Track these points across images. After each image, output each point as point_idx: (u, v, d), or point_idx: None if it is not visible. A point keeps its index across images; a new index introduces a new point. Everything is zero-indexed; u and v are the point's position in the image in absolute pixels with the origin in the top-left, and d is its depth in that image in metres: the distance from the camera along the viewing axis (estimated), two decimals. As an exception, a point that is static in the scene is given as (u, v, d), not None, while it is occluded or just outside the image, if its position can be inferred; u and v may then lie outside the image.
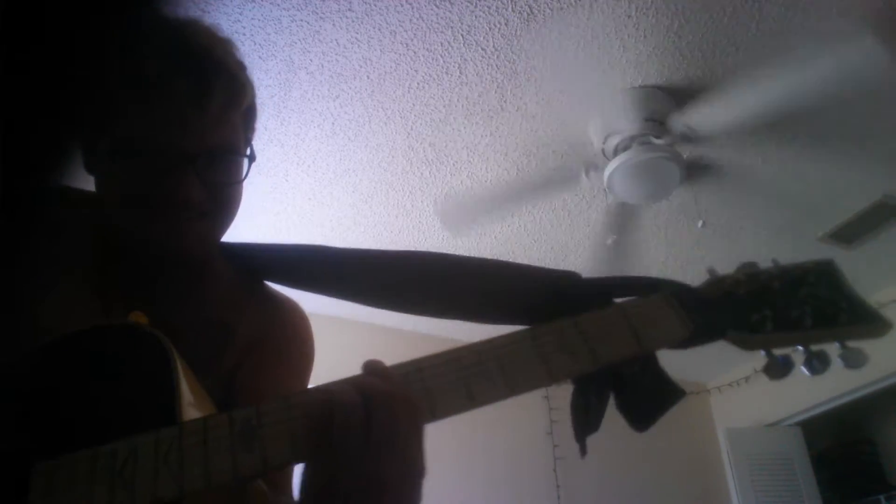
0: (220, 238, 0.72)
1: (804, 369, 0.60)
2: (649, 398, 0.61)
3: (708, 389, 4.58)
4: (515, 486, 3.67)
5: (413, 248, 3.17)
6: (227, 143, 0.66)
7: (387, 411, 0.48)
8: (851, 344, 0.60)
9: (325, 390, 0.50)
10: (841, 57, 2.13)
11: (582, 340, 0.56)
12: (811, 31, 2.13)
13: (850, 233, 3.20)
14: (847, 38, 2.08)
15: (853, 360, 0.60)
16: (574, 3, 2.03)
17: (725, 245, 3.24)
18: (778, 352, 0.60)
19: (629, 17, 2.08)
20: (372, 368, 0.52)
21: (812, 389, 3.92)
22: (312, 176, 2.68)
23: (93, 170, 0.68)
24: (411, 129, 2.49)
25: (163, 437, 0.49)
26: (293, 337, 0.79)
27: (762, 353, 0.60)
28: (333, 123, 2.43)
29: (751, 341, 0.60)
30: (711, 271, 0.65)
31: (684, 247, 3.28)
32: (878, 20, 2.10)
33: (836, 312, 0.60)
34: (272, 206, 2.82)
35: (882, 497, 4.12)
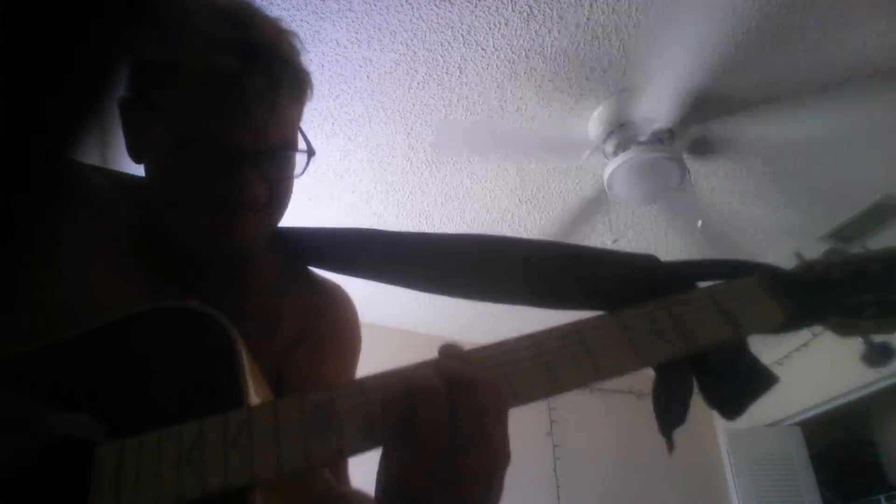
0: (273, 231, 0.72)
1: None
2: (742, 385, 0.59)
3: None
4: (515, 486, 3.66)
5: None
6: (288, 140, 0.66)
7: (473, 398, 0.45)
8: None
9: (404, 375, 0.47)
10: (842, 54, 2.14)
11: (674, 324, 0.54)
12: (812, 29, 2.13)
13: (850, 233, 3.20)
14: (849, 29, 2.09)
15: None
16: (574, 4, 2.03)
17: (725, 245, 3.24)
18: (876, 340, 0.60)
19: (629, 17, 2.08)
20: (451, 352, 0.49)
21: (812, 389, 3.92)
22: (312, 176, 2.68)
23: (143, 156, 0.66)
24: (411, 129, 2.49)
25: (231, 420, 0.48)
26: (341, 322, 0.78)
27: (860, 339, 0.60)
28: (333, 123, 2.43)
29: (850, 327, 0.58)
30: (799, 255, 0.62)
31: (684, 247, 3.28)
32: (879, 13, 2.10)
33: None
34: (272, 206, 2.82)
35: (882, 497, 4.12)
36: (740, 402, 0.59)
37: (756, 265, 0.61)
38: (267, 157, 0.64)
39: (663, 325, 0.54)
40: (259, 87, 0.61)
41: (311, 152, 0.68)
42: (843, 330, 0.58)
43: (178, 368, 0.53)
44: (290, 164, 0.68)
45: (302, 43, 0.67)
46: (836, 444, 4.55)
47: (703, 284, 0.61)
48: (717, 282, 0.59)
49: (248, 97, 0.61)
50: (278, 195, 0.67)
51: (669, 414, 0.61)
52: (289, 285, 0.75)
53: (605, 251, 0.71)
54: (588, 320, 0.54)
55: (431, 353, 0.52)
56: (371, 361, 0.52)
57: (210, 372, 0.52)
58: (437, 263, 0.73)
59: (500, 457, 0.47)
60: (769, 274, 0.59)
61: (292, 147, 0.67)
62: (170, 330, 0.55)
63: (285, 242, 0.76)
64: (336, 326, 0.77)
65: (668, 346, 0.54)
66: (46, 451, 0.48)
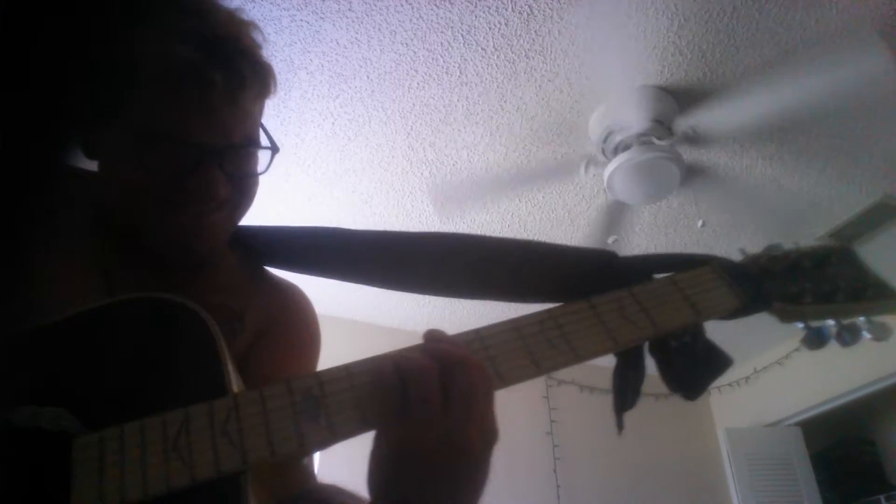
0: (234, 229, 0.71)
1: (836, 341, 0.64)
2: (701, 366, 0.62)
3: (708, 389, 4.57)
4: (515, 486, 3.66)
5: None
6: (250, 136, 0.65)
7: (462, 378, 0.47)
8: (875, 319, 0.64)
9: (396, 358, 0.48)
10: (843, 56, 2.14)
11: (640, 309, 0.58)
12: (812, 30, 2.13)
13: (850, 233, 3.20)
14: (849, 36, 2.08)
15: (879, 333, 0.64)
16: (574, 4, 2.03)
17: (725, 245, 3.24)
18: (814, 325, 0.65)
19: (629, 17, 2.08)
20: (438, 336, 0.51)
21: (812, 389, 3.92)
22: (312, 176, 2.68)
23: (97, 154, 0.65)
24: (411, 129, 2.49)
25: (217, 407, 0.48)
26: (301, 322, 0.78)
27: (799, 325, 0.65)
28: (333, 123, 2.43)
29: (792, 312, 0.63)
30: (743, 250, 0.68)
31: (684, 247, 3.28)
32: (879, 18, 2.10)
33: (863, 288, 0.64)
34: (272, 206, 2.82)
35: (882, 497, 4.11)
36: (700, 382, 0.63)
37: (709, 257, 0.66)
38: (231, 154, 0.62)
39: (632, 310, 0.58)
40: (222, 81, 0.59)
41: (274, 149, 0.67)
42: (785, 315, 0.63)
43: (156, 359, 0.52)
44: (253, 161, 0.67)
45: (264, 34, 0.65)
46: (836, 444, 4.55)
47: (658, 276, 0.65)
48: (673, 273, 0.64)
49: (210, 92, 0.59)
50: (242, 192, 0.66)
51: (624, 398, 0.64)
52: (247, 284, 0.74)
53: (567, 247, 0.75)
54: (562, 306, 0.57)
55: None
56: (352, 357, 0.53)
57: (190, 361, 0.52)
58: (402, 261, 0.74)
59: (489, 434, 0.48)
60: (722, 265, 0.64)
61: (256, 143, 0.65)
62: (145, 321, 0.54)
63: (242, 241, 0.75)
64: (295, 325, 0.77)
65: (637, 329, 0.57)
66: (19, 445, 0.46)
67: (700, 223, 2.77)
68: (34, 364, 0.52)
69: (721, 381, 4.41)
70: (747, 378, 4.26)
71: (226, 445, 0.46)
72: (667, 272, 0.64)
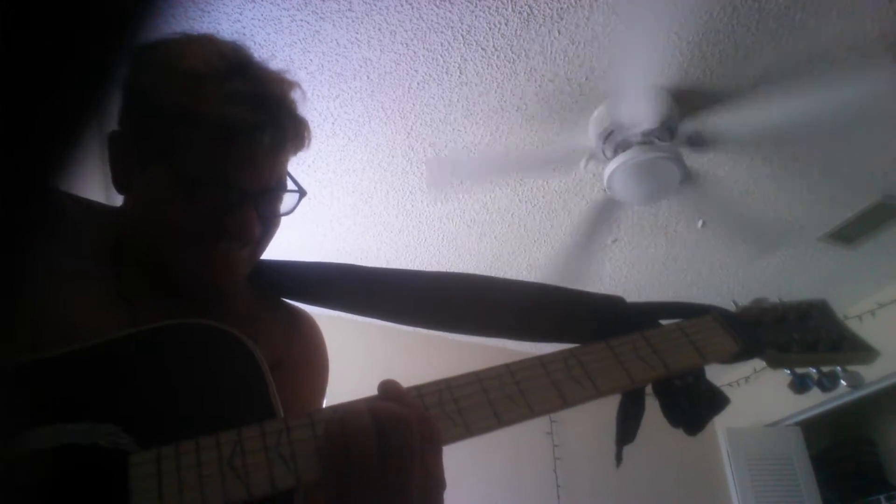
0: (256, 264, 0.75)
1: (817, 388, 0.72)
2: (702, 405, 0.68)
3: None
4: (515, 486, 3.66)
5: (413, 247, 3.18)
6: (283, 180, 0.71)
7: (399, 434, 0.51)
8: (850, 368, 0.73)
9: (341, 416, 0.52)
10: (842, 57, 2.14)
11: (652, 352, 0.65)
12: (814, 31, 2.13)
13: (850, 233, 3.20)
14: (849, 39, 2.09)
15: (854, 381, 0.72)
16: (574, 4, 2.03)
17: (725, 245, 3.24)
18: (799, 372, 0.73)
19: (629, 17, 2.08)
20: (386, 391, 0.55)
21: (812, 389, 3.92)
22: (312, 176, 2.68)
23: (131, 189, 0.69)
24: (411, 129, 2.49)
25: (269, 429, 0.51)
26: (312, 349, 0.81)
27: (787, 371, 0.73)
28: (333, 123, 2.43)
29: (781, 360, 0.71)
30: (736, 303, 0.76)
31: (684, 247, 3.28)
32: (879, 18, 2.10)
33: (840, 340, 0.72)
34: (272, 206, 2.82)
35: (882, 497, 4.12)
36: (702, 419, 0.68)
37: (708, 307, 0.73)
38: (267, 197, 0.69)
39: (645, 352, 0.64)
40: (269, 139, 0.66)
41: (302, 192, 0.73)
42: (775, 362, 0.71)
43: (204, 382, 0.55)
44: (280, 203, 0.73)
45: (304, 92, 0.72)
46: (836, 444, 4.55)
47: (663, 322, 0.72)
48: (678, 320, 0.71)
49: (258, 147, 0.66)
50: (267, 231, 0.72)
51: (626, 433, 0.70)
52: (261, 314, 0.78)
53: (579, 291, 0.80)
54: (582, 346, 0.63)
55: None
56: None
57: (239, 385, 0.55)
58: (419, 299, 0.80)
59: (432, 481, 0.52)
60: (721, 314, 0.72)
61: (286, 187, 0.72)
62: (191, 345, 0.57)
63: (259, 274, 0.79)
64: (309, 354, 0.81)
65: (650, 369, 0.63)
66: (76, 461, 0.48)
67: (700, 223, 2.77)
68: (82, 384, 0.54)
69: (721, 381, 4.43)
70: (747, 378, 4.26)
71: (280, 464, 0.49)
72: (671, 318, 0.71)
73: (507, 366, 0.59)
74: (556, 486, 3.75)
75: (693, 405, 0.67)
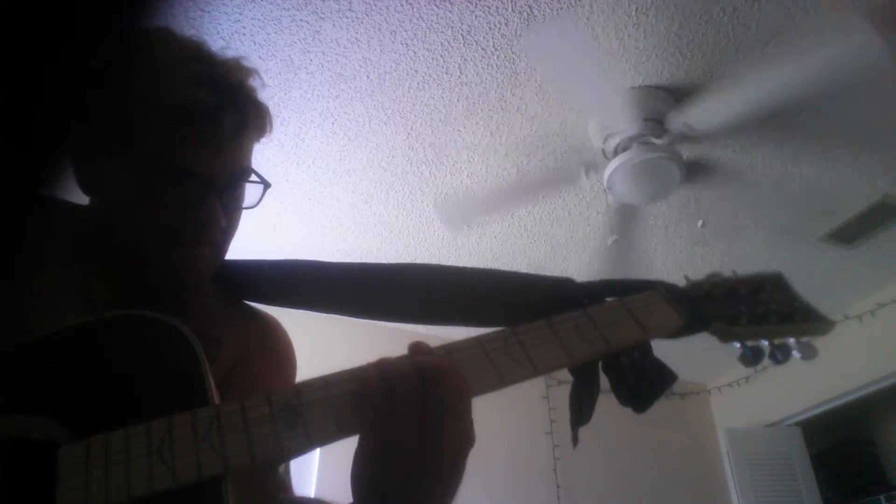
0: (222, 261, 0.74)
1: (769, 360, 0.70)
2: (650, 382, 0.67)
3: (708, 389, 4.58)
4: (515, 486, 3.66)
5: (413, 247, 3.18)
6: (246, 170, 0.70)
7: (442, 383, 0.53)
8: (804, 339, 0.71)
9: (378, 366, 0.54)
10: (841, 56, 2.13)
11: (593, 328, 0.63)
12: (811, 29, 2.13)
13: (850, 233, 3.20)
14: (847, 35, 2.08)
15: (807, 353, 0.70)
16: (574, 4, 2.03)
17: (725, 245, 3.24)
18: (749, 344, 0.71)
19: (629, 17, 2.08)
20: (421, 348, 0.57)
21: (812, 389, 3.92)
22: (312, 176, 2.68)
23: (95, 186, 0.68)
24: (411, 129, 2.49)
25: (199, 416, 0.51)
26: (277, 352, 0.80)
27: (736, 345, 0.71)
28: (333, 123, 2.43)
29: (729, 332, 0.69)
30: (687, 278, 0.75)
31: (684, 247, 3.28)
32: (879, 18, 2.10)
33: (792, 312, 0.71)
34: (272, 206, 2.82)
35: (882, 497, 4.12)
36: (649, 396, 0.67)
37: (655, 282, 0.72)
38: (230, 187, 0.68)
39: (586, 329, 0.64)
40: (231, 122, 0.65)
41: (266, 184, 0.73)
42: (723, 335, 0.69)
43: (141, 373, 0.55)
44: (243, 195, 0.72)
45: (262, 79, 0.72)
46: (836, 444, 4.55)
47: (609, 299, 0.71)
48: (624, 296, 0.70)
49: (221, 131, 0.65)
50: (231, 225, 0.71)
51: (580, 415, 0.70)
52: (224, 314, 0.77)
53: (531, 275, 0.80)
54: (522, 325, 0.63)
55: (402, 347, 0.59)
56: (354, 354, 0.56)
57: (173, 374, 0.55)
58: (373, 290, 0.80)
59: (465, 436, 0.54)
60: (666, 289, 0.70)
61: (248, 177, 0.71)
62: (132, 337, 0.57)
63: (222, 274, 0.78)
64: (272, 356, 0.80)
65: (592, 345, 0.63)
66: (8, 453, 0.48)
67: (700, 223, 2.77)
68: (23, 376, 0.54)
69: (721, 381, 4.43)
70: (747, 378, 4.26)
71: (208, 451, 0.49)
72: (618, 295, 0.70)
73: (444, 346, 0.59)
74: (557, 486, 3.75)
75: (639, 382, 0.67)
